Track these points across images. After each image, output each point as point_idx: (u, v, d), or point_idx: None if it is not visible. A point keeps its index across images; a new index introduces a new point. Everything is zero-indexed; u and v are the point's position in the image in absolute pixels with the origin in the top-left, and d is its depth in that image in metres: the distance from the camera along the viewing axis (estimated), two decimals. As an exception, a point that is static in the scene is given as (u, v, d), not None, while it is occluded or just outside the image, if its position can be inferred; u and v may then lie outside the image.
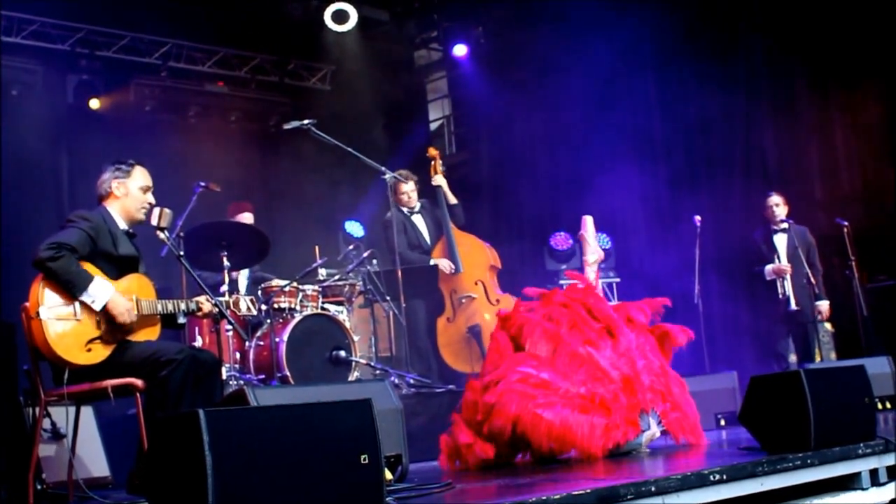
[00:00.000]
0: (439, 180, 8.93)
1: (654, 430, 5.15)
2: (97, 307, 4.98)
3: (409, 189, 8.83)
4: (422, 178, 8.99)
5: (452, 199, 8.96)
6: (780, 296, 9.01)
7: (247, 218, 8.46)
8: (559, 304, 5.46)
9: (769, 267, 9.07)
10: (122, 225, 5.36)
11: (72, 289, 4.95)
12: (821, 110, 10.45)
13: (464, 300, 8.74)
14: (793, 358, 9.10)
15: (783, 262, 9.03)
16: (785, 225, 9.12)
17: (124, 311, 5.02)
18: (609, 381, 5.07)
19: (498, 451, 5.24)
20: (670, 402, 5.26)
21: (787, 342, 9.22)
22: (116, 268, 5.18)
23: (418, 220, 8.93)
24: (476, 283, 8.80)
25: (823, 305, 9.02)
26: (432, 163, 9.08)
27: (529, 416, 4.99)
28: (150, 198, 5.44)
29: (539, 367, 5.15)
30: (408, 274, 8.22)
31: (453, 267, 8.70)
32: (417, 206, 8.93)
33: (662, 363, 5.43)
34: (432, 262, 8.71)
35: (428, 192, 9.05)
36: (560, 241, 10.37)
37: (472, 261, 8.82)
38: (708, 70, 10.50)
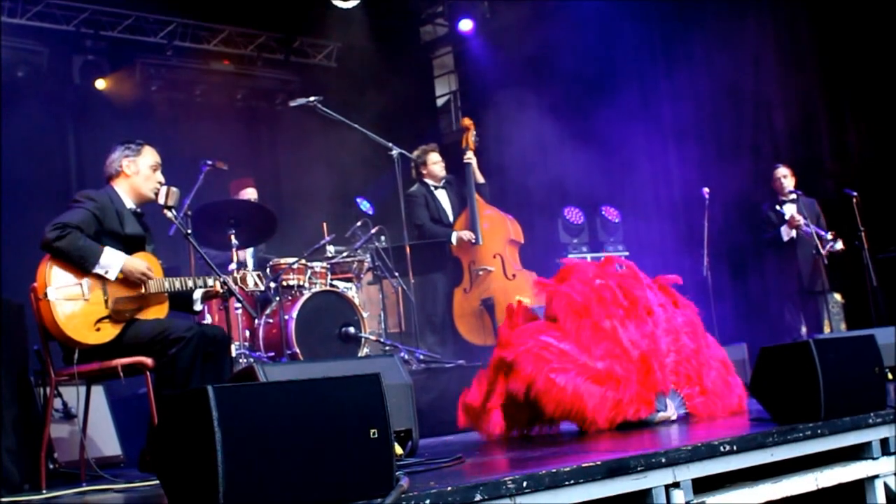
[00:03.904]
0: (471, 157, 8.96)
1: (670, 413, 5.14)
2: (112, 276, 5.00)
3: (438, 159, 8.93)
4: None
5: (480, 179, 9.02)
6: (789, 266, 9.04)
7: (249, 194, 8.46)
8: (588, 280, 5.45)
9: (784, 227, 9.09)
10: (130, 204, 5.37)
11: (83, 263, 4.96)
12: (830, 79, 10.38)
13: (480, 272, 8.79)
14: (803, 329, 9.10)
15: (795, 216, 9.05)
16: (794, 196, 9.13)
17: (141, 272, 5.05)
18: (627, 360, 5.07)
19: (513, 415, 5.25)
20: (699, 387, 5.26)
21: (797, 313, 9.22)
22: (123, 247, 5.19)
23: (441, 194, 8.98)
24: (494, 257, 8.83)
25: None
26: (465, 133, 9.10)
27: (543, 380, 5.00)
28: (160, 176, 5.46)
29: (560, 339, 5.16)
30: (419, 249, 8.23)
31: (473, 237, 8.73)
32: (443, 181, 8.96)
33: (699, 347, 5.41)
34: (453, 235, 8.75)
35: (452, 167, 9.08)
36: (573, 215, 10.40)
37: (493, 234, 8.87)
38: (715, 40, 10.47)
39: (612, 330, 5.16)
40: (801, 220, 9.03)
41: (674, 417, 5.16)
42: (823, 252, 8.91)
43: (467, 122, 9.25)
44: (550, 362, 5.04)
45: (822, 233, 8.97)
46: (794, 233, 9.12)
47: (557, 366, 5.03)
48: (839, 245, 8.98)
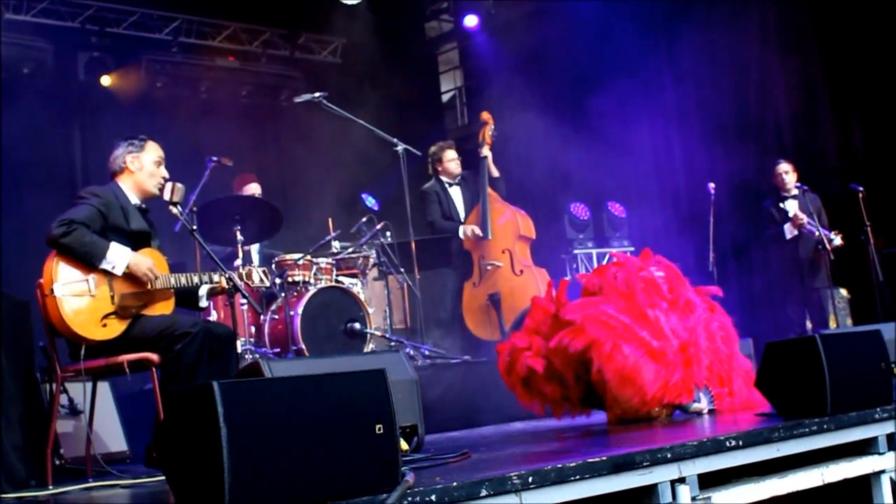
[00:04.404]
0: (486, 152, 8.99)
1: (703, 406, 5.17)
2: (119, 272, 5.00)
3: (454, 157, 8.94)
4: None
5: (495, 173, 9.02)
6: (794, 261, 9.03)
7: (253, 189, 8.46)
8: (631, 272, 5.45)
9: (788, 225, 9.07)
10: (135, 200, 5.37)
11: (90, 259, 4.96)
12: (835, 74, 10.36)
13: (489, 267, 8.80)
14: (808, 324, 9.09)
15: (798, 214, 9.03)
16: (796, 192, 9.12)
17: (146, 269, 5.05)
18: (671, 346, 5.10)
19: (547, 370, 5.26)
20: (728, 389, 5.29)
21: (800, 308, 9.21)
22: (129, 243, 5.19)
23: (455, 191, 9.01)
24: (503, 252, 8.84)
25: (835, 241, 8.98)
26: (483, 127, 9.12)
27: (610, 346, 5.00)
28: (164, 171, 5.46)
29: (619, 312, 5.16)
30: (424, 244, 8.24)
31: (480, 233, 8.74)
32: (458, 177, 8.98)
33: (732, 353, 5.45)
34: (460, 230, 8.77)
35: (464, 163, 9.12)
36: (579, 210, 10.41)
37: (503, 229, 8.87)
38: (720, 33, 10.44)
39: (655, 319, 5.17)
40: (804, 218, 9.01)
41: (706, 411, 5.18)
42: (829, 248, 8.90)
43: (486, 116, 9.24)
44: (616, 329, 5.05)
45: (826, 232, 8.95)
46: (796, 231, 9.10)
47: (623, 335, 5.04)
48: (838, 241, 8.96)
